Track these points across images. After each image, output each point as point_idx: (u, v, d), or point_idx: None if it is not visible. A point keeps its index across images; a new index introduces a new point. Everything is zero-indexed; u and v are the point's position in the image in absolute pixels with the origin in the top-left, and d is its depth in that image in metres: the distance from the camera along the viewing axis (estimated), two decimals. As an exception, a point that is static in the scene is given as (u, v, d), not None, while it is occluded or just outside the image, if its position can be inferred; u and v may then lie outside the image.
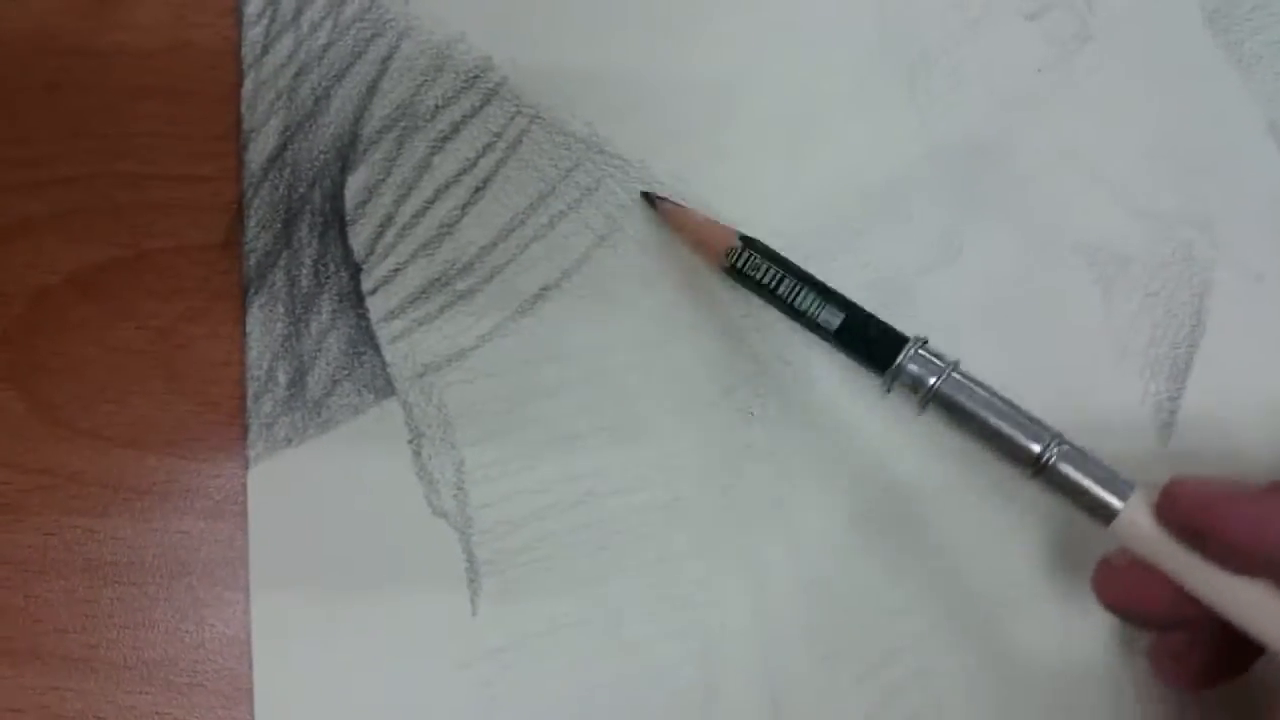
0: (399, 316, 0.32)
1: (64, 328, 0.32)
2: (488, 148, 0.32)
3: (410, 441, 0.31)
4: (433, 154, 0.32)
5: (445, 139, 0.32)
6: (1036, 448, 0.26)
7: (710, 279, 0.32)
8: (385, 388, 0.31)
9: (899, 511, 0.31)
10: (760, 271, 0.29)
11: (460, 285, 0.32)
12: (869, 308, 0.31)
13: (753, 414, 0.31)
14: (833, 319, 0.28)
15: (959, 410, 0.27)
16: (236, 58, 0.32)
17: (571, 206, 0.32)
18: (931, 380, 0.27)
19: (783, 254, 0.29)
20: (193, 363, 0.32)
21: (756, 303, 0.31)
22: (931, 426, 0.30)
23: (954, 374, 0.27)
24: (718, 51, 0.33)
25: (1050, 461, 0.26)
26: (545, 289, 0.32)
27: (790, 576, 0.31)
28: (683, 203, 0.31)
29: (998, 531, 0.31)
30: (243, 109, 0.32)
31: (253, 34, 0.32)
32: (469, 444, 0.31)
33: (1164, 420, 0.31)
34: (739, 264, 0.29)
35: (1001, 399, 0.27)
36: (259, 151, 0.32)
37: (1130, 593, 0.26)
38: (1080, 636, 0.30)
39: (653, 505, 0.31)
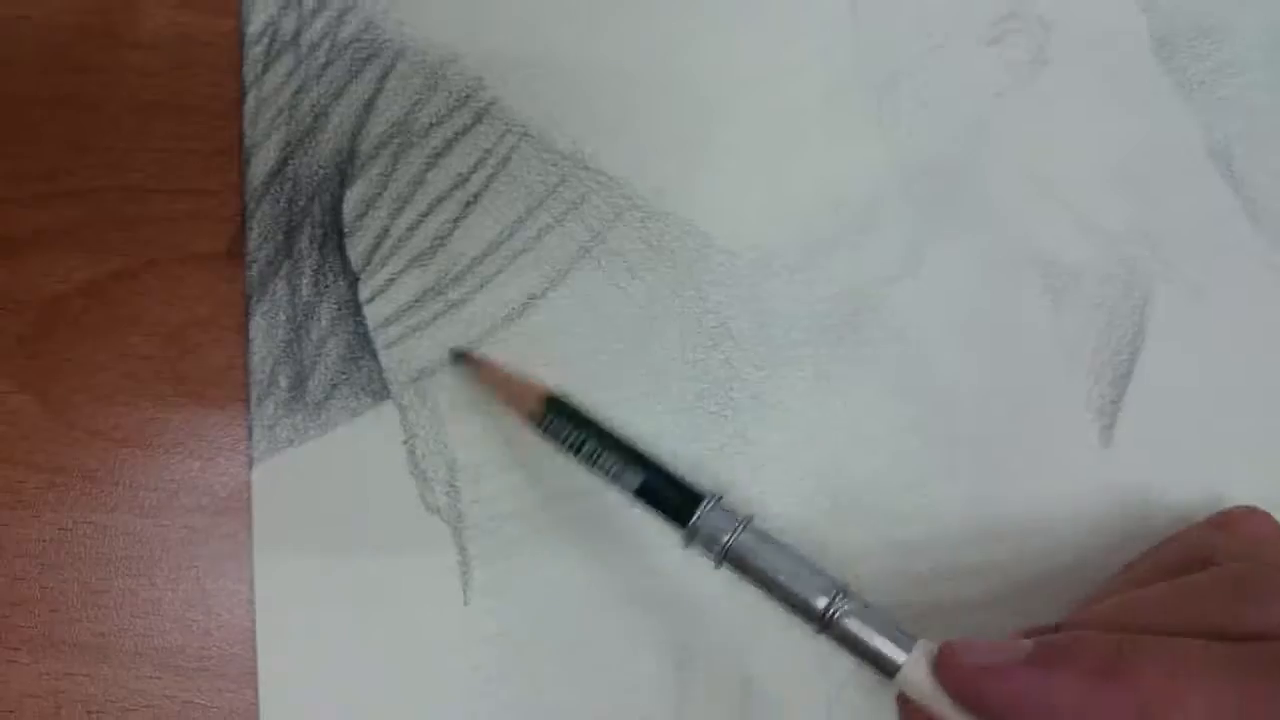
0: (394, 324, 0.32)
1: (76, 334, 0.32)
2: (479, 164, 0.33)
3: (405, 442, 0.32)
4: (427, 170, 0.33)
5: (438, 155, 0.33)
6: (822, 603, 0.27)
7: (689, 285, 0.32)
8: (381, 391, 0.32)
9: (865, 499, 0.32)
10: (564, 435, 0.29)
11: (452, 294, 0.32)
12: (836, 317, 0.32)
13: (729, 416, 0.32)
14: (634, 479, 0.29)
15: (748, 567, 0.28)
16: (239, 76, 0.32)
17: (558, 220, 0.33)
18: (725, 537, 0.28)
19: (586, 414, 0.30)
20: (198, 367, 0.32)
21: (727, 314, 0.32)
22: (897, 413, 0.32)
23: (744, 532, 0.28)
24: (699, 74, 0.33)
25: (835, 616, 0.27)
26: (532, 298, 0.32)
27: None
28: (491, 360, 0.31)
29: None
30: (245, 125, 0.32)
31: (254, 53, 0.33)
32: (460, 444, 0.32)
33: (1106, 423, 0.32)
34: (544, 426, 0.30)
35: (792, 553, 0.28)
36: (261, 166, 0.32)
37: None
38: None
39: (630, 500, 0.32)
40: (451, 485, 0.32)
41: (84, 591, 0.31)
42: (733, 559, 0.28)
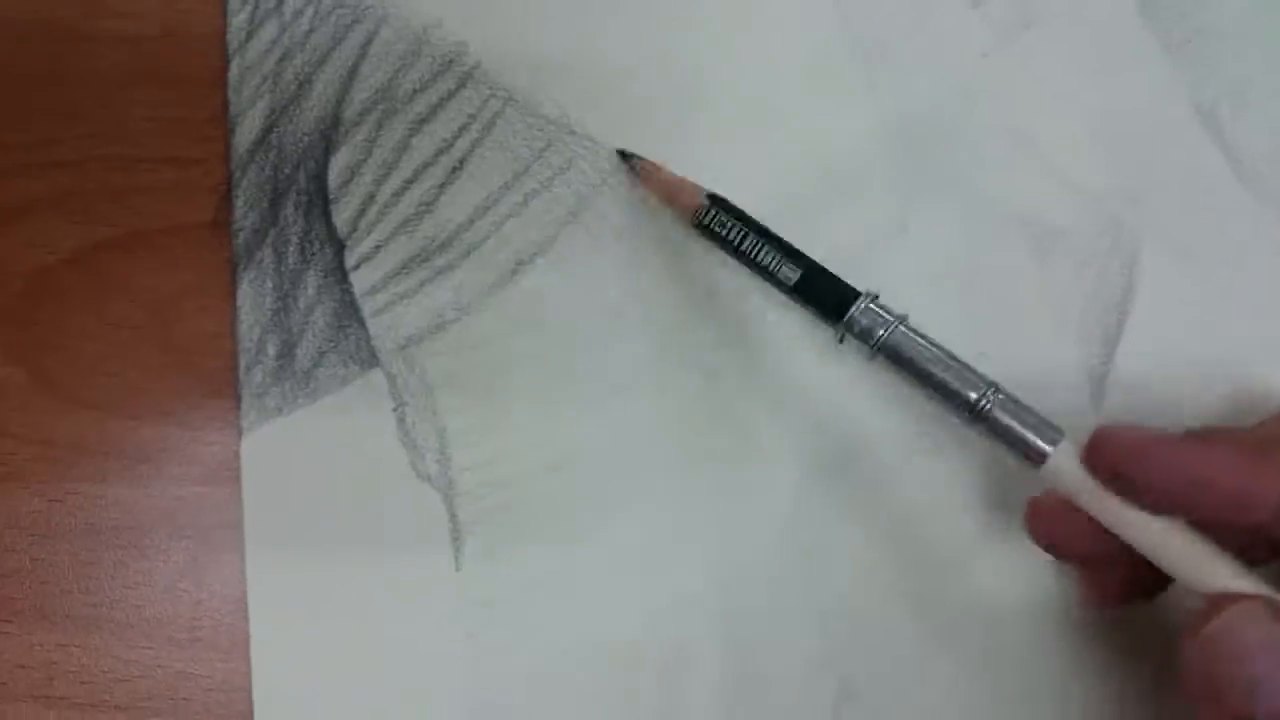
0: (381, 291, 0.32)
1: (63, 304, 0.32)
2: (463, 129, 0.33)
3: (395, 410, 0.32)
4: (411, 135, 0.33)
5: (423, 121, 0.33)
6: (974, 395, 0.28)
7: (675, 250, 0.32)
8: (370, 359, 0.32)
9: (851, 465, 0.32)
10: (726, 229, 0.30)
11: (439, 261, 0.32)
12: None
13: (716, 381, 0.32)
14: (791, 274, 0.29)
15: (904, 360, 0.28)
16: (223, 44, 0.33)
17: (544, 185, 0.33)
18: (880, 332, 0.28)
19: (746, 213, 0.30)
20: (186, 337, 0.32)
21: (718, 273, 0.32)
22: (879, 388, 0.32)
23: (901, 327, 0.28)
24: (683, 37, 0.33)
25: (986, 409, 0.28)
26: (520, 264, 0.32)
27: (750, 530, 0.32)
28: (653, 162, 0.32)
29: (945, 479, 0.32)
30: (229, 94, 0.32)
31: (237, 21, 0.33)
32: (450, 411, 0.32)
33: (1095, 383, 0.32)
34: (707, 221, 0.30)
35: (944, 350, 0.28)
36: (246, 134, 0.32)
37: (1057, 530, 0.28)
38: (1023, 573, 0.32)
39: (622, 466, 0.32)
40: (442, 453, 0.32)
41: (75, 562, 0.31)
42: (887, 351, 0.29)
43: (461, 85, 0.33)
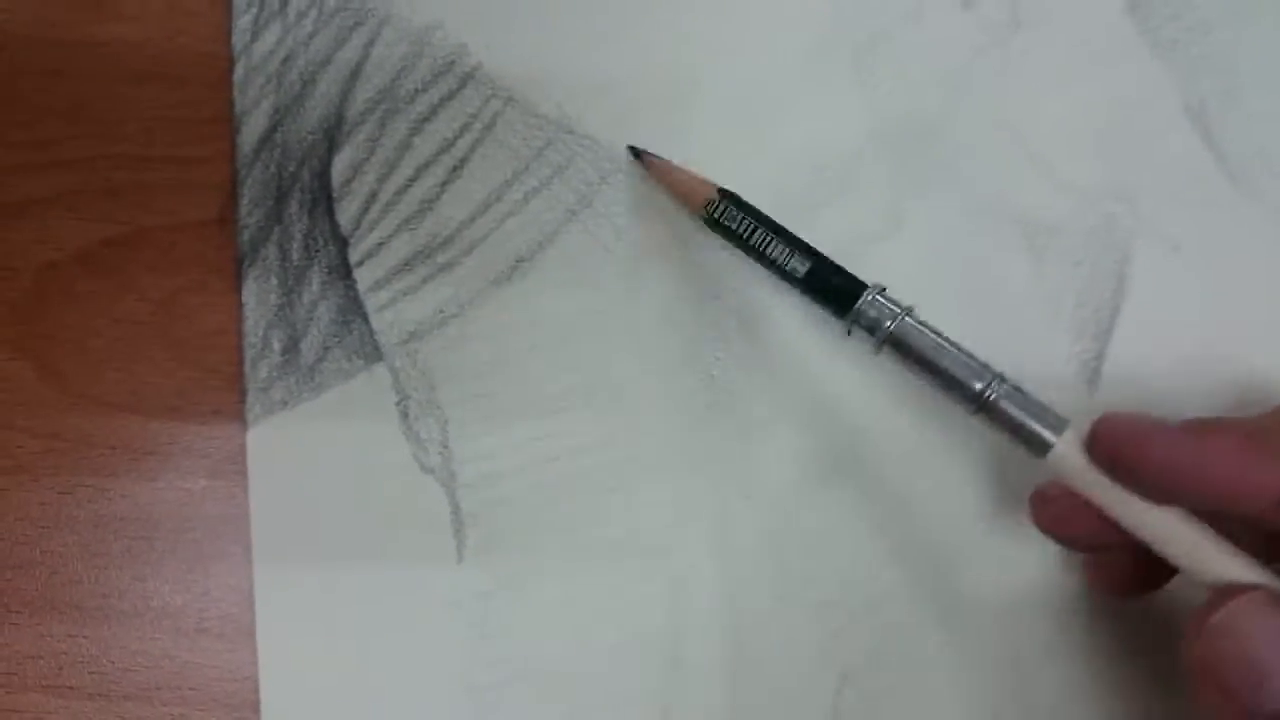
0: (385, 287, 0.32)
1: (70, 301, 0.32)
2: (464, 128, 0.33)
3: (398, 403, 0.32)
4: (413, 135, 0.33)
5: (424, 120, 0.33)
6: (979, 385, 0.28)
7: (675, 247, 0.33)
8: (373, 353, 0.32)
9: (852, 456, 0.32)
10: (736, 222, 0.30)
11: (441, 258, 0.33)
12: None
13: (714, 375, 0.33)
14: (800, 266, 0.30)
15: (910, 351, 0.29)
16: (227, 44, 0.33)
17: (544, 183, 0.33)
18: (887, 324, 0.29)
19: (755, 208, 0.31)
20: (192, 332, 0.32)
21: (719, 270, 0.32)
22: (884, 379, 0.32)
23: (907, 319, 0.29)
24: (679, 36, 0.34)
25: (991, 399, 0.28)
26: (520, 261, 0.33)
27: (751, 522, 0.32)
28: (662, 158, 0.32)
29: (946, 471, 0.32)
30: (234, 94, 0.33)
31: (242, 22, 0.33)
32: (452, 405, 0.32)
33: (1088, 378, 0.33)
34: (718, 215, 0.31)
35: (949, 342, 0.29)
36: (250, 133, 0.33)
37: (1062, 519, 0.28)
38: (1024, 564, 0.32)
39: (623, 459, 0.32)
40: (444, 446, 0.32)
41: (83, 554, 0.32)
42: (894, 343, 0.29)
43: (462, 85, 0.33)
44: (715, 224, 0.31)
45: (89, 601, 0.32)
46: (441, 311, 0.33)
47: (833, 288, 0.30)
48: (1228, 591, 0.25)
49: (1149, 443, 0.26)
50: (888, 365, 0.30)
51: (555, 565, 0.32)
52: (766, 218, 0.31)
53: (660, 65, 0.34)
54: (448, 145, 0.33)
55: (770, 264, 0.30)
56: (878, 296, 0.29)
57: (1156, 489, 0.26)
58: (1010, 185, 0.34)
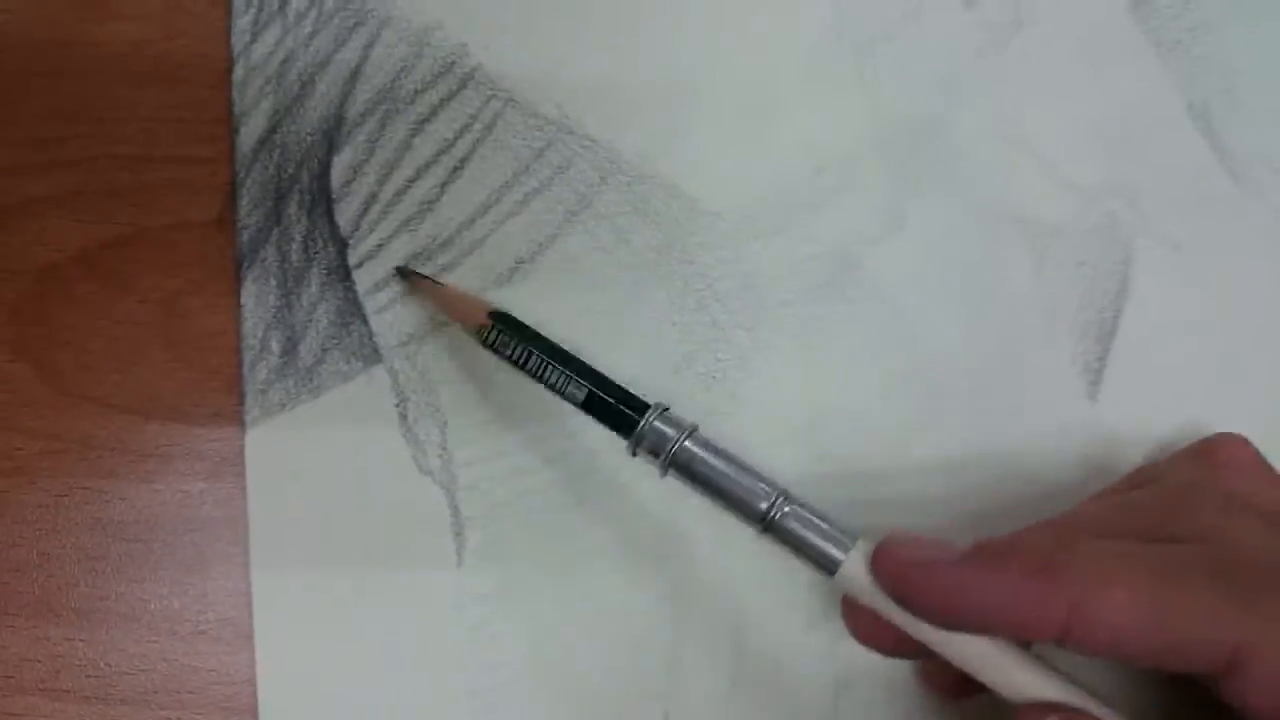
0: (384, 289, 0.32)
1: (70, 302, 0.32)
2: (464, 129, 0.33)
3: (397, 405, 0.32)
4: (413, 136, 0.33)
5: (424, 121, 0.33)
6: (764, 506, 0.27)
7: (670, 253, 0.33)
8: (372, 355, 0.32)
9: (850, 459, 0.32)
10: (510, 349, 0.30)
11: (441, 259, 0.33)
12: (820, 277, 0.32)
13: (714, 377, 0.32)
14: (578, 392, 0.29)
15: (694, 474, 0.28)
16: (227, 45, 0.33)
17: (544, 185, 0.33)
18: (670, 446, 0.28)
19: (532, 327, 0.30)
20: (191, 334, 0.32)
21: (713, 276, 0.32)
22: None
23: (687, 442, 0.28)
24: (681, 36, 0.34)
25: (776, 518, 0.27)
26: (520, 262, 0.33)
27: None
28: (438, 279, 0.32)
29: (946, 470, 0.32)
30: (234, 94, 0.33)
31: (241, 23, 0.33)
32: (451, 407, 0.32)
33: (1091, 379, 0.32)
34: (491, 340, 0.30)
35: (734, 461, 0.28)
36: (250, 134, 0.33)
37: (868, 630, 0.27)
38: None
39: (620, 462, 0.32)
40: (443, 448, 0.32)
41: (81, 556, 0.32)
42: (678, 465, 0.28)
43: (462, 86, 0.33)
44: (490, 347, 0.30)
45: (86, 604, 0.31)
46: (440, 314, 0.32)
47: (613, 411, 0.29)
48: (1030, 712, 0.25)
49: (927, 576, 0.25)
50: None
51: (555, 567, 0.32)
52: (544, 339, 0.30)
53: (661, 66, 0.34)
54: (447, 146, 0.33)
55: (549, 388, 0.29)
56: (655, 422, 0.28)
57: (939, 621, 0.25)
58: (1011, 185, 0.33)
